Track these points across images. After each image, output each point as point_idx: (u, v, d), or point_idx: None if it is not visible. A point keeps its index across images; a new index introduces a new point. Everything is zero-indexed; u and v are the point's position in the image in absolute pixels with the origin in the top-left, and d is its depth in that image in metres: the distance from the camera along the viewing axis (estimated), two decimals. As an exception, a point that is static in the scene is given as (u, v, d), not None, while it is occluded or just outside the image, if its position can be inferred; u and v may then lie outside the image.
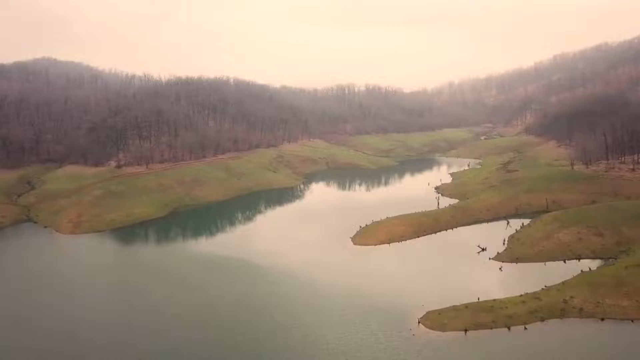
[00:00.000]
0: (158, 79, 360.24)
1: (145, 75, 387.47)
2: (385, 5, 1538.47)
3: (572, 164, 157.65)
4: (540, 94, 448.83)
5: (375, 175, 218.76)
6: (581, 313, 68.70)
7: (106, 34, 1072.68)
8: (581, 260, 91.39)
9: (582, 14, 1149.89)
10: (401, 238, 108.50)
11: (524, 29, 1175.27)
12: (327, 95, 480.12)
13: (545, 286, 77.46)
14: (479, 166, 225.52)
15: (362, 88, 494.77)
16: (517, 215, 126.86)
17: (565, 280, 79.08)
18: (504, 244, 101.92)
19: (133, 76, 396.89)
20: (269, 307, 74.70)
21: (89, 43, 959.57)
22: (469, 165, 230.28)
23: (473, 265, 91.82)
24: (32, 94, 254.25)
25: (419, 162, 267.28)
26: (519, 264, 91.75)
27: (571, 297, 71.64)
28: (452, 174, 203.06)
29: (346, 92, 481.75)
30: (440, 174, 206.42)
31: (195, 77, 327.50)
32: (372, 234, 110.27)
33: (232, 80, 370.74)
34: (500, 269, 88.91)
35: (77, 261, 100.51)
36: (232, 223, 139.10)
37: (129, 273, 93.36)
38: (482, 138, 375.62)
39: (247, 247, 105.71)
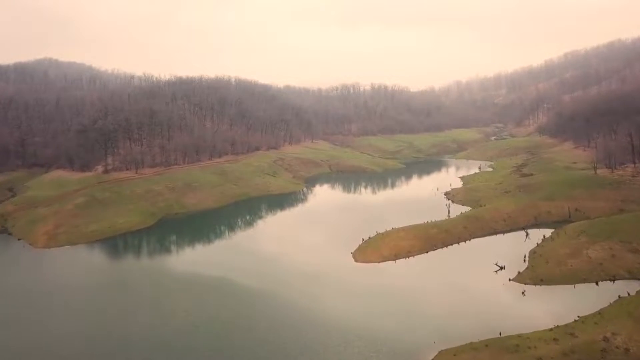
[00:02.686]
0: (158, 78, 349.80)
1: (145, 75, 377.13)
2: (392, 4, 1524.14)
3: (595, 168, 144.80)
4: (552, 93, 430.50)
5: (380, 179, 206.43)
6: (627, 355, 56.21)
7: (110, 35, 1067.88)
8: (616, 281, 79.46)
9: (590, 11, 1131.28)
10: (408, 253, 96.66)
11: (532, 26, 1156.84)
12: (332, 95, 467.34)
13: (579, 317, 65.67)
14: (490, 169, 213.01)
15: (368, 87, 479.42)
16: (536, 225, 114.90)
17: (602, 309, 67.24)
18: (524, 261, 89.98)
19: (132, 76, 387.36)
20: (251, 340, 63.53)
21: (91, 44, 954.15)
22: (480, 168, 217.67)
23: (491, 288, 79.67)
24: (25, 94, 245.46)
25: (427, 165, 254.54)
26: (543, 286, 79.72)
27: (613, 333, 59.57)
28: (462, 178, 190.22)
29: (351, 91, 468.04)
30: (450, 178, 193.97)
31: (196, 77, 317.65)
32: (375, 249, 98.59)
33: (233, 80, 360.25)
34: (523, 293, 76.83)
35: (37, 280, 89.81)
36: (221, 235, 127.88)
37: (94, 296, 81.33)
38: (493, 139, 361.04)
39: (234, 264, 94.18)
